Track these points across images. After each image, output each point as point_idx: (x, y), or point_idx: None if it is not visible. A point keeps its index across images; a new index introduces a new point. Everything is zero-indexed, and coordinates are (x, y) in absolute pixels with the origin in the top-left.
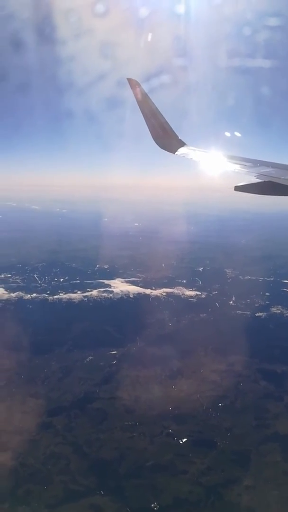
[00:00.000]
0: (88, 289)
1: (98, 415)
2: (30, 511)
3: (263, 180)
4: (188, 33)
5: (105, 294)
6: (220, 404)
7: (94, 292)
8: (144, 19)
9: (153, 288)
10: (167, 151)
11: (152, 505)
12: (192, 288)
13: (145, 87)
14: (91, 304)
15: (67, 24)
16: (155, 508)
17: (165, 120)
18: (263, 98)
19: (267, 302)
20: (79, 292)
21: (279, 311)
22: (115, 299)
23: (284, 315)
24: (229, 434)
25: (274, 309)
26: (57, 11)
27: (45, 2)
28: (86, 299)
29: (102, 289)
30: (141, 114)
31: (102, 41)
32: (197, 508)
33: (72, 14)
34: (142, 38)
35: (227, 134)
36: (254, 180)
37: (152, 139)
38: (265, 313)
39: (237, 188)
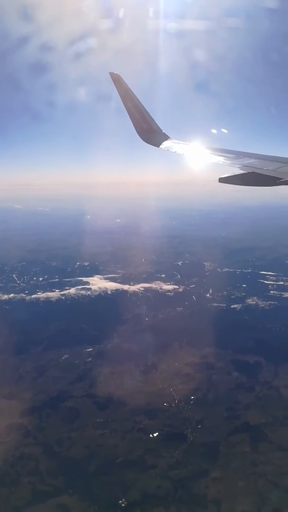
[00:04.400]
0: (66, 287)
1: (71, 413)
2: None
3: (246, 171)
4: None
5: (83, 292)
6: (192, 397)
7: (72, 290)
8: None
9: (132, 283)
10: (152, 144)
11: (120, 501)
12: (170, 282)
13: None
14: (68, 302)
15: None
16: (123, 505)
17: (149, 113)
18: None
19: (243, 294)
20: (57, 290)
21: (254, 302)
22: (92, 296)
23: (259, 306)
24: (199, 426)
25: (249, 301)
26: None
27: None
28: (63, 297)
29: (80, 287)
30: (124, 109)
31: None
32: (164, 502)
33: None
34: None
35: (214, 131)
36: (238, 171)
37: (136, 134)
38: (240, 305)
39: (221, 180)
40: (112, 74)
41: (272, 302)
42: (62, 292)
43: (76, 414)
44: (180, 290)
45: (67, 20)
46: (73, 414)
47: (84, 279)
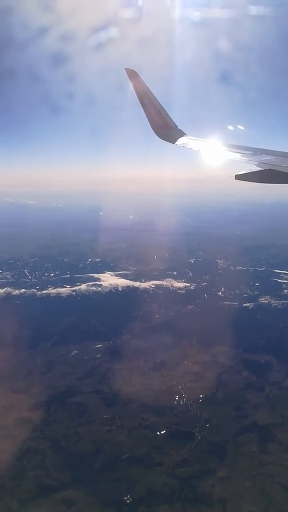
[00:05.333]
0: (77, 283)
1: (78, 409)
2: (2, 506)
3: (263, 169)
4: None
5: (93, 288)
6: (201, 396)
7: (83, 286)
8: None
9: (143, 280)
10: (167, 141)
11: (125, 498)
12: (182, 280)
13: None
14: (79, 298)
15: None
16: (128, 501)
17: (164, 110)
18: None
19: (255, 293)
20: (68, 286)
21: (267, 301)
22: (103, 292)
23: (272, 305)
24: (207, 425)
25: (262, 300)
26: None
27: None
28: (74, 293)
29: (91, 283)
30: (140, 105)
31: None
32: (169, 500)
33: None
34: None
35: (230, 127)
36: (255, 168)
37: (152, 130)
38: (253, 304)
39: (238, 177)
40: (127, 70)
41: (285, 301)
42: (73, 288)
43: (83, 409)
44: (192, 287)
45: (85, 10)
46: (81, 410)
47: (96, 275)
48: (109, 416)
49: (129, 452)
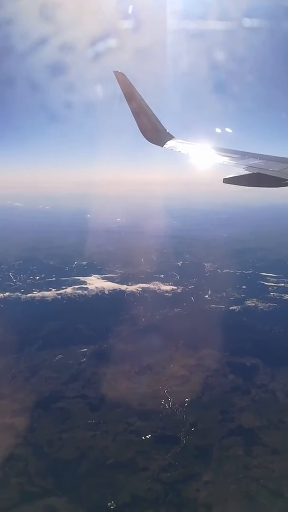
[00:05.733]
0: (63, 287)
1: (62, 414)
2: None
3: (251, 172)
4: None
5: (79, 291)
6: (187, 399)
7: (69, 290)
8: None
9: (130, 283)
10: (156, 144)
11: (109, 504)
12: (169, 283)
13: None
14: (64, 301)
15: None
16: (112, 507)
17: (153, 113)
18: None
19: (242, 295)
20: (53, 290)
21: (254, 304)
22: (89, 296)
23: (258, 308)
24: (193, 429)
25: (249, 302)
26: None
27: None
28: (60, 296)
29: (77, 286)
30: (128, 107)
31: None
32: (154, 505)
33: None
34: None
35: (218, 130)
36: (243, 172)
37: (140, 133)
38: (239, 306)
39: (226, 180)
40: (116, 73)
41: (271, 304)
42: (59, 292)
43: (67, 415)
44: (179, 290)
45: (83, 21)
46: (65, 415)
47: (82, 278)
48: (93, 421)
49: (113, 458)
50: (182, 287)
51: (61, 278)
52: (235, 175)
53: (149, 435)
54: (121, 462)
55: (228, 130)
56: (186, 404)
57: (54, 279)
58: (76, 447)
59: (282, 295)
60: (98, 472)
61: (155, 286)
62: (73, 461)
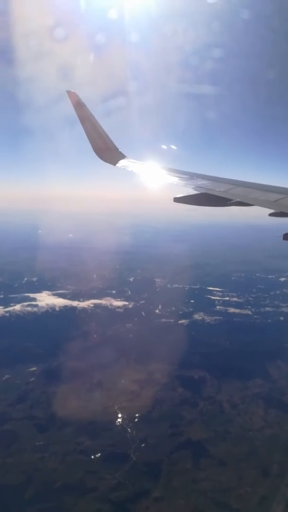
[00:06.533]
0: (11, 304)
1: (8, 437)
2: None
3: (199, 192)
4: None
5: (29, 308)
6: (137, 415)
7: (17, 307)
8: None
9: (81, 300)
10: (108, 162)
11: None
12: (121, 298)
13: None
14: (12, 319)
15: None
16: None
17: (105, 132)
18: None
19: (190, 309)
20: (1, 307)
21: (201, 318)
22: (39, 313)
23: (205, 321)
24: (143, 445)
25: (196, 316)
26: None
27: (5, 24)
28: (8, 314)
29: (27, 303)
30: (81, 126)
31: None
32: None
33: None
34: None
35: (164, 147)
36: (192, 192)
37: (93, 151)
38: (187, 320)
39: (176, 200)
40: (70, 93)
41: (217, 317)
42: (7, 309)
43: (14, 437)
44: (130, 306)
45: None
46: (11, 438)
47: (32, 295)
48: (41, 443)
49: (61, 480)
50: (133, 303)
51: (9, 295)
52: (184, 195)
53: (99, 454)
54: (69, 484)
55: (173, 147)
56: (136, 420)
57: (1, 296)
58: (23, 471)
59: (227, 308)
60: (45, 496)
61: (107, 302)
62: (18, 486)
